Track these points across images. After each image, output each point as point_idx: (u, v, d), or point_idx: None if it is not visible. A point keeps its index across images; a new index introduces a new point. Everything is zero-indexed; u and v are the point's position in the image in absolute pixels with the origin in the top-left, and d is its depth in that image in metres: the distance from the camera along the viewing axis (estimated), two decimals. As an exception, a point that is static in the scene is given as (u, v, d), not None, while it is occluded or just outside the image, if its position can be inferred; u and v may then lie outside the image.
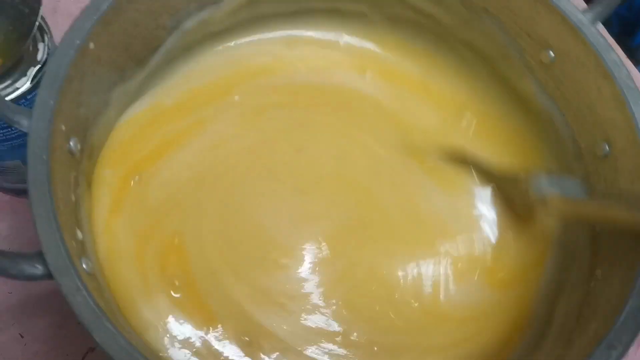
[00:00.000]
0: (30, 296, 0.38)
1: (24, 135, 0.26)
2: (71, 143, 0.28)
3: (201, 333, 0.29)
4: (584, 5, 0.34)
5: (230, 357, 0.29)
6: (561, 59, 0.34)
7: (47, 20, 0.49)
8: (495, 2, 0.35)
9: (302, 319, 0.30)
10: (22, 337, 0.36)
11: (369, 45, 0.41)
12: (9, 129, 0.34)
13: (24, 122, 0.26)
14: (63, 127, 0.27)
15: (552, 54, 0.34)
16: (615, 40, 0.50)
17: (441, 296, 0.32)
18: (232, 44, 0.39)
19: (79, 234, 0.26)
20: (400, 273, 0.32)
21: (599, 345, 0.23)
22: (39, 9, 0.34)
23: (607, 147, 0.31)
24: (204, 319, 0.30)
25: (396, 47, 0.41)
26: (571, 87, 0.34)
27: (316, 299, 0.31)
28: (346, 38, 0.41)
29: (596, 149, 0.32)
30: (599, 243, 0.30)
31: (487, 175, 0.35)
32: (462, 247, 0.33)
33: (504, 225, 0.35)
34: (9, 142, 0.35)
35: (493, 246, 0.34)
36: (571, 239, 0.33)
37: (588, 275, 0.30)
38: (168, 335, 0.29)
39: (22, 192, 0.41)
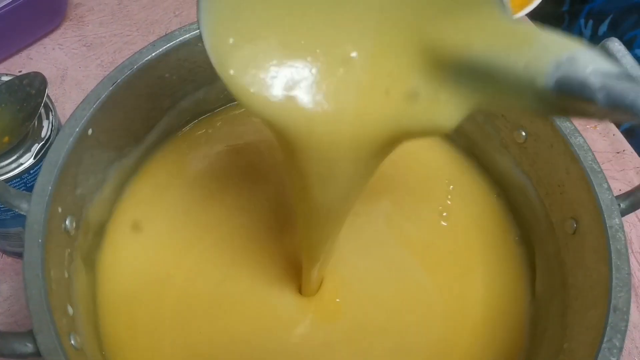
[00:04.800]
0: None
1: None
2: (67, 222, 0.30)
3: None
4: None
5: None
6: (533, 139, 0.36)
7: (55, 88, 0.52)
8: (471, 83, 0.38)
9: None
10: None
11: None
12: (13, 201, 0.36)
13: (24, 206, 0.28)
14: (60, 209, 0.29)
15: (524, 134, 0.36)
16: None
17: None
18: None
19: (70, 310, 0.28)
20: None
21: None
22: (44, 90, 0.37)
23: (574, 225, 0.33)
24: None
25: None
26: (543, 166, 0.35)
27: None
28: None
29: (565, 225, 0.34)
30: (568, 319, 0.31)
31: None
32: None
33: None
34: (12, 212, 0.38)
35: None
36: (543, 315, 0.34)
37: (557, 348, 0.31)
38: None
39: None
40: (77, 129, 0.30)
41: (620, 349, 0.27)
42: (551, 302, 0.34)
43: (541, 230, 0.36)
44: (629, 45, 0.82)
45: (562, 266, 0.34)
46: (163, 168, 0.38)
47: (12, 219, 0.38)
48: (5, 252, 0.43)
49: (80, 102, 0.31)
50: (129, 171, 0.37)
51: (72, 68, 0.54)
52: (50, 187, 0.28)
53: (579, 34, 0.85)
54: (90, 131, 0.31)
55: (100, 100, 0.31)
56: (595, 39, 0.80)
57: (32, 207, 0.27)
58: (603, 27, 0.81)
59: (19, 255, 0.43)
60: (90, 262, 0.33)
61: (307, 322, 0.34)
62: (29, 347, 0.25)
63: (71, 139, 0.30)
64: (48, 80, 0.47)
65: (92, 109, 0.31)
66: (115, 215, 0.36)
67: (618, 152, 0.53)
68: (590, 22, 0.83)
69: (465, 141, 0.40)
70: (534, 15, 0.59)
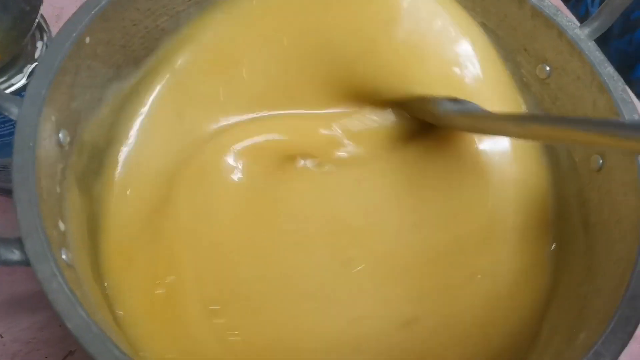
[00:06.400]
0: (13, 296, 0.37)
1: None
2: (60, 135, 0.28)
3: None
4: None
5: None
6: (557, 74, 0.34)
7: (50, 26, 0.50)
8: (493, 17, 0.36)
9: None
10: (1, 337, 0.35)
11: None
12: (1, 125, 0.34)
13: (14, 110, 0.26)
14: (53, 118, 0.27)
15: (548, 68, 0.34)
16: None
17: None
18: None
19: (61, 225, 0.26)
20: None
21: (587, 354, 0.23)
22: (39, 7, 0.34)
23: (600, 160, 0.31)
24: None
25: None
26: (567, 102, 0.34)
27: None
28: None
29: (590, 162, 0.32)
30: (592, 257, 0.30)
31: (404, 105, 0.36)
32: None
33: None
34: (0, 139, 0.35)
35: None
36: (564, 254, 0.32)
37: (582, 282, 0.29)
38: None
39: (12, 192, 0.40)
40: (75, 34, 0.28)
41: (654, 279, 0.25)
42: (573, 243, 0.32)
43: (562, 171, 0.34)
44: (636, 25, 0.80)
45: (585, 205, 0.32)
46: (162, 104, 0.36)
47: (1, 148, 0.36)
48: (-7, 188, 0.41)
49: (78, 8, 0.29)
50: (128, 97, 0.34)
51: (69, 7, 0.51)
52: (44, 91, 0.26)
53: (585, 11, 0.83)
54: (87, 39, 0.29)
55: (100, 6, 0.29)
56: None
57: (25, 109, 0.25)
58: (610, 5, 0.79)
59: (7, 192, 0.41)
60: (86, 187, 0.31)
61: None
62: (15, 254, 0.23)
63: (67, 43, 0.27)
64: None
65: (90, 15, 0.29)
66: (112, 144, 0.34)
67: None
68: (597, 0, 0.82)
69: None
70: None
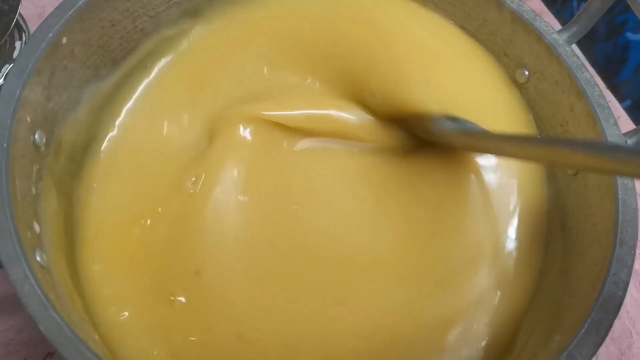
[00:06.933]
0: (-9, 298, 0.37)
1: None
2: (36, 136, 0.27)
3: None
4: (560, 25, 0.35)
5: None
6: (536, 78, 0.34)
7: (32, 26, 0.49)
8: (473, 22, 0.36)
9: None
10: (-22, 339, 0.35)
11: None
12: (-21, 125, 0.34)
13: (-12, 112, 0.25)
14: (28, 119, 0.27)
15: (527, 72, 0.34)
16: (601, 77, 0.52)
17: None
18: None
19: (36, 227, 0.26)
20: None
21: (561, 356, 0.23)
22: (17, 6, 0.34)
23: (577, 165, 0.31)
24: None
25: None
26: (545, 107, 0.34)
27: None
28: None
29: (568, 167, 0.32)
30: (569, 260, 0.30)
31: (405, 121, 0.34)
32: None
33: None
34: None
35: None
36: (543, 259, 0.32)
37: (556, 290, 0.29)
38: None
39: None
40: (51, 35, 0.28)
41: (626, 284, 0.26)
42: (551, 247, 0.32)
43: (540, 175, 0.34)
44: (621, 29, 0.81)
45: (562, 209, 0.32)
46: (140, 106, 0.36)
47: (-21, 147, 0.36)
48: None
49: (55, 8, 0.28)
50: (106, 98, 0.34)
51: (51, 6, 0.51)
52: (18, 91, 0.26)
53: (571, 15, 0.84)
54: (64, 40, 0.28)
55: (76, 7, 0.29)
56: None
57: (-2, 110, 0.25)
58: (595, 9, 0.80)
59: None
60: (65, 190, 0.31)
61: None
62: (-13, 257, 0.22)
63: (43, 44, 0.27)
64: (25, 19, 0.44)
65: (67, 16, 0.28)
66: (92, 145, 0.34)
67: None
68: (583, 4, 0.82)
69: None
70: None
